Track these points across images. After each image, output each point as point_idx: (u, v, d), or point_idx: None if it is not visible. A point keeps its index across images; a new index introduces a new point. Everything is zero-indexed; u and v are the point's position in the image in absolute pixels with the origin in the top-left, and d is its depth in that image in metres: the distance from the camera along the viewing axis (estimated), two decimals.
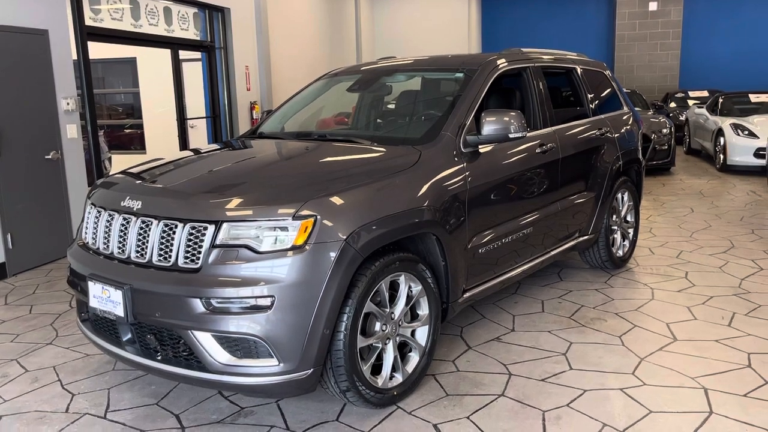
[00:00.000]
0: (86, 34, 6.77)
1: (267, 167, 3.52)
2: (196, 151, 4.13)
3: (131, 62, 12.21)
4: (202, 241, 2.78)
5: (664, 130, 10.48)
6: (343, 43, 14.54)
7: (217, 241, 2.75)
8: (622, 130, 5.30)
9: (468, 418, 3.05)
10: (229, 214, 2.78)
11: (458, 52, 7.62)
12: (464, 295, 3.64)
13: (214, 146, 4.28)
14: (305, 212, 2.76)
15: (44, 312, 4.70)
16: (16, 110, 5.71)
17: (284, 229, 2.74)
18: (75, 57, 6.59)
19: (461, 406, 3.16)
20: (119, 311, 2.90)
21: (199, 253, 2.77)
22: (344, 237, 2.78)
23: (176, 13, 8.68)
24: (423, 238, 3.36)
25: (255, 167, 3.52)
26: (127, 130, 12.53)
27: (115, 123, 12.74)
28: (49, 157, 6.04)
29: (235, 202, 2.83)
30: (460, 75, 4.16)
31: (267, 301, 2.68)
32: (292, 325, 2.70)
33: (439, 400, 3.23)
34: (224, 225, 2.76)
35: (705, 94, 15.90)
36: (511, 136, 3.60)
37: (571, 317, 4.31)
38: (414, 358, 3.31)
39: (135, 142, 12.43)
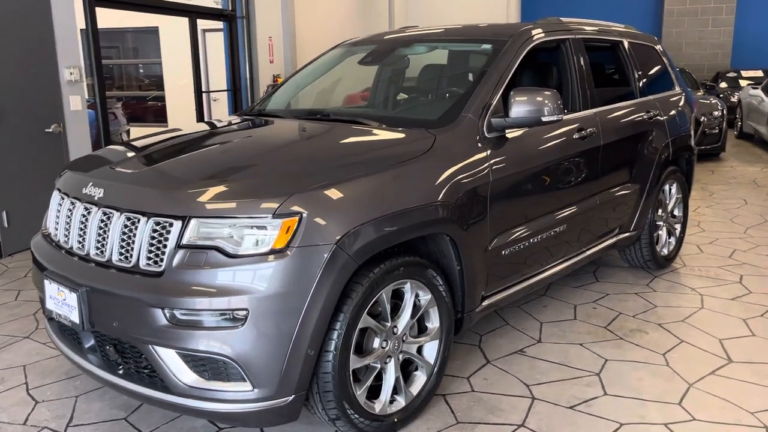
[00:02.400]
0: None
1: (251, 152, 3.00)
2: (200, 129, 3.66)
3: (154, 32, 11.81)
4: (166, 239, 2.34)
5: (716, 113, 9.69)
6: (375, 16, 13.90)
7: (184, 241, 2.31)
8: (673, 113, 4.69)
9: None
10: (197, 208, 2.33)
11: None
12: (483, 303, 3.15)
13: (201, 125, 3.81)
14: (288, 208, 2.29)
15: (30, 299, 4.35)
16: (14, 80, 5.34)
17: (262, 228, 2.28)
18: (83, 24, 6.20)
19: None
20: (74, 317, 2.49)
21: (163, 253, 2.33)
22: (335, 239, 2.31)
23: None
24: (435, 238, 2.86)
25: (237, 152, 3.02)
26: (149, 102, 12.18)
27: (136, 94, 12.39)
28: (50, 130, 5.67)
29: (206, 194, 2.37)
30: (487, 47, 3.61)
31: (239, 315, 2.23)
32: (269, 344, 2.25)
33: (448, 428, 2.76)
34: (192, 221, 2.31)
35: (759, 74, 14.87)
36: (544, 119, 3.06)
37: (606, 327, 3.78)
38: (420, 378, 2.84)
39: (156, 114, 12.08)
